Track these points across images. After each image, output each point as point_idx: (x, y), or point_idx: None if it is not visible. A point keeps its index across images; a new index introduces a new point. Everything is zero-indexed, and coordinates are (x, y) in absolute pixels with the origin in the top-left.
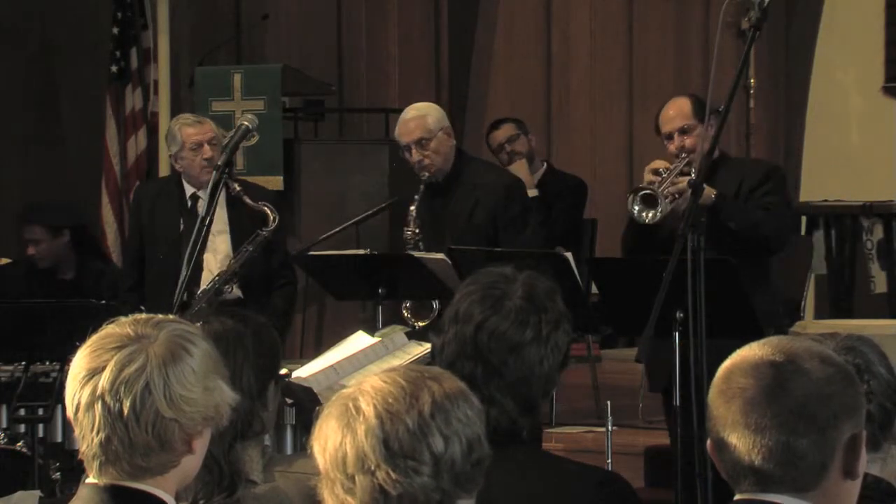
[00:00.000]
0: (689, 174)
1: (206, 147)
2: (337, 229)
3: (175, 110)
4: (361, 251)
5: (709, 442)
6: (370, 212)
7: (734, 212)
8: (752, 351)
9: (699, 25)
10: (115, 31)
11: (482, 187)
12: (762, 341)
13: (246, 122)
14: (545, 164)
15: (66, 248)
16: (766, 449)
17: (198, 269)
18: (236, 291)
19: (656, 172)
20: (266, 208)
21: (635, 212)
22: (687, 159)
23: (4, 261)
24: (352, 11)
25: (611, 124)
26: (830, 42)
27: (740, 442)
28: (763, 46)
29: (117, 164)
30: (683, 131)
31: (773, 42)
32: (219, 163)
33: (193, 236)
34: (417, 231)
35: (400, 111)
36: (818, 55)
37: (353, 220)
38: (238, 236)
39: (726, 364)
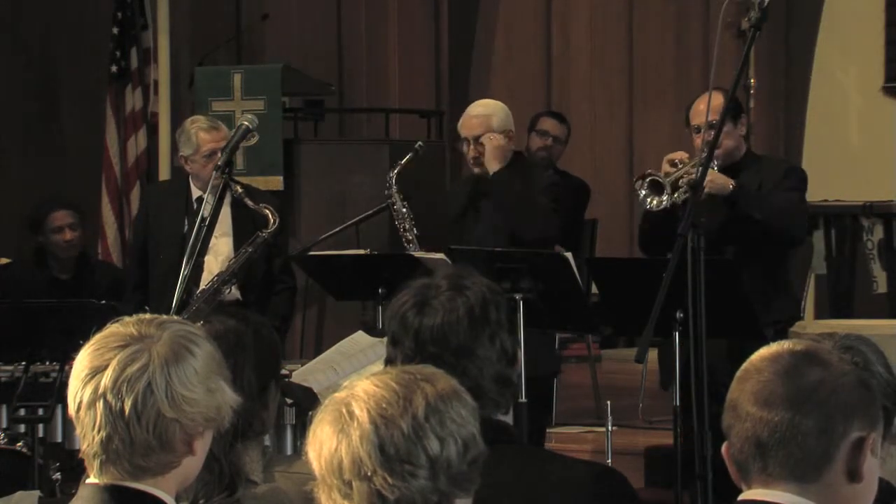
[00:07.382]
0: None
1: (220, 155)
2: (337, 229)
3: (175, 110)
4: (361, 251)
5: (724, 445)
6: (370, 212)
7: (754, 201)
8: (772, 347)
9: (699, 25)
10: (115, 31)
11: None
12: (784, 341)
13: (246, 122)
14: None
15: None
16: (772, 424)
17: (198, 269)
18: (235, 293)
19: (673, 163)
20: (267, 210)
21: (641, 195)
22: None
23: (4, 261)
24: (352, 11)
25: (611, 124)
26: (830, 42)
27: (749, 417)
28: (763, 46)
29: (117, 164)
30: (711, 127)
31: (773, 42)
32: (219, 163)
33: (193, 236)
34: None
35: (400, 111)
36: (818, 55)
37: (353, 220)
38: (241, 239)
39: (747, 361)
